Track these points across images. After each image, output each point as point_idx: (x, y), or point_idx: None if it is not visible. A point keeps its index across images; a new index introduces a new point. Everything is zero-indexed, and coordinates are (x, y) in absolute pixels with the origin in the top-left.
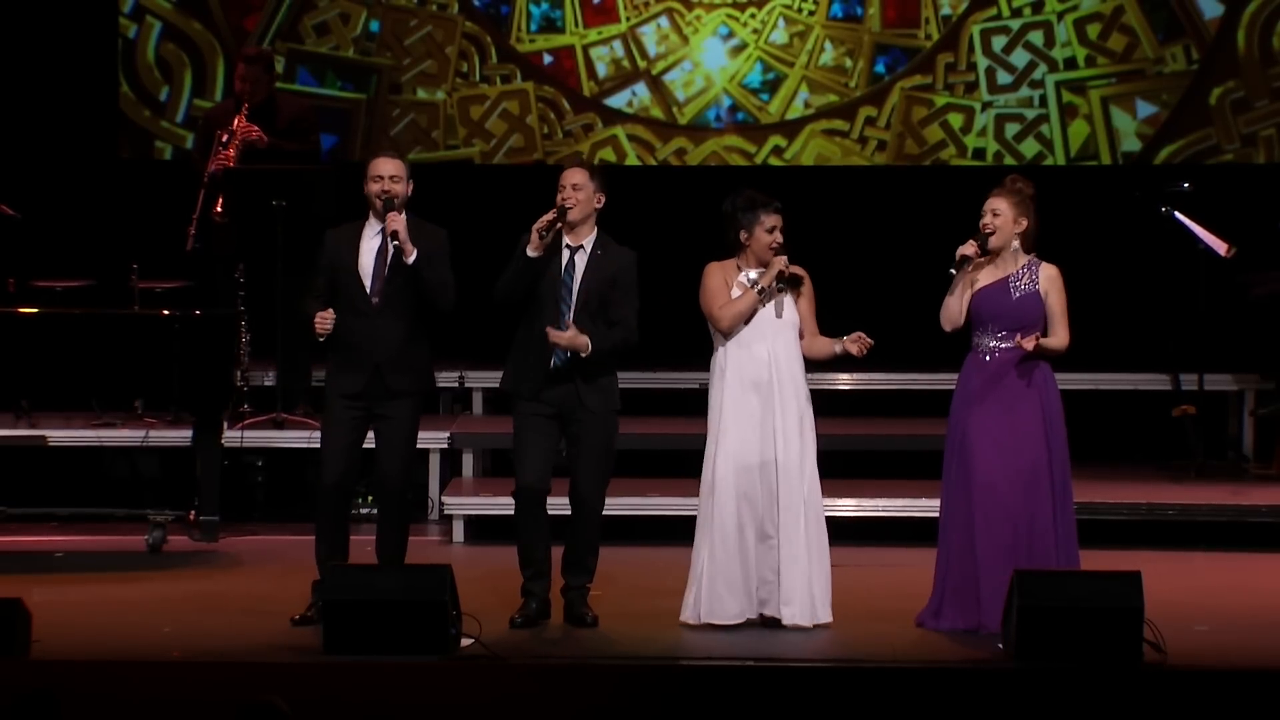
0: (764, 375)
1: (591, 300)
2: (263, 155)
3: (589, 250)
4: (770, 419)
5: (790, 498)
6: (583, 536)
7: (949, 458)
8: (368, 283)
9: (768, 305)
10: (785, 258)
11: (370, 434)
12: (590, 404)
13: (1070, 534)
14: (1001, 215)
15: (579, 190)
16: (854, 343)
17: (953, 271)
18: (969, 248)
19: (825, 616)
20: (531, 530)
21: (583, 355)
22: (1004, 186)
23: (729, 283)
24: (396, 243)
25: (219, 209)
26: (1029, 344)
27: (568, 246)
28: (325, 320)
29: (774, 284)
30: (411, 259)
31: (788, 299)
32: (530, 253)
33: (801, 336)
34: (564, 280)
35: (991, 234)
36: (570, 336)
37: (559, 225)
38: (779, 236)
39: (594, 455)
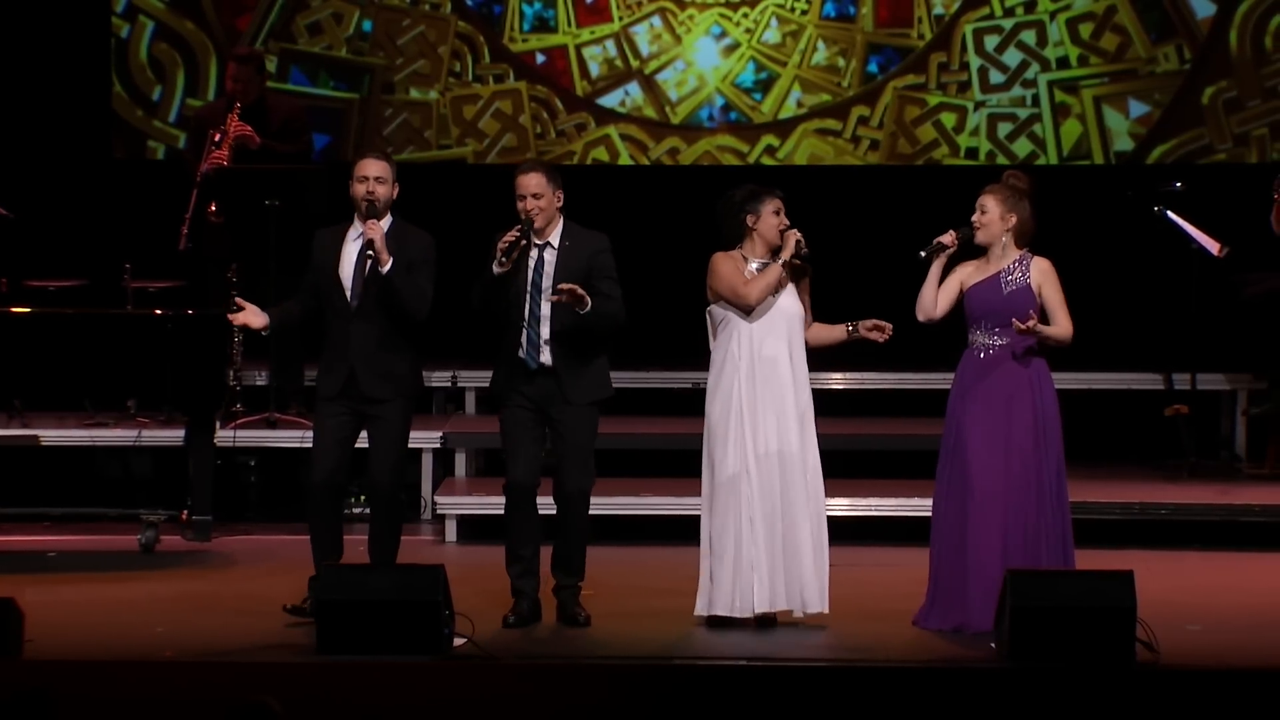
0: (779, 368)
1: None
2: (254, 156)
3: (557, 245)
4: (783, 410)
5: (795, 490)
6: (570, 534)
7: (943, 456)
8: (348, 285)
9: (783, 289)
10: (797, 230)
11: (363, 435)
12: (571, 396)
13: (1066, 534)
14: (989, 213)
15: (539, 199)
16: (873, 330)
17: (922, 254)
18: (947, 236)
19: (822, 607)
20: (521, 527)
21: (580, 312)
22: (998, 182)
23: (740, 269)
24: (371, 252)
25: (212, 209)
26: (1026, 325)
27: (535, 245)
28: (244, 315)
29: (796, 254)
30: (385, 269)
31: (791, 289)
32: (496, 270)
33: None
34: (534, 280)
35: (979, 229)
36: (571, 287)
37: (524, 242)
38: (785, 218)
39: (577, 451)
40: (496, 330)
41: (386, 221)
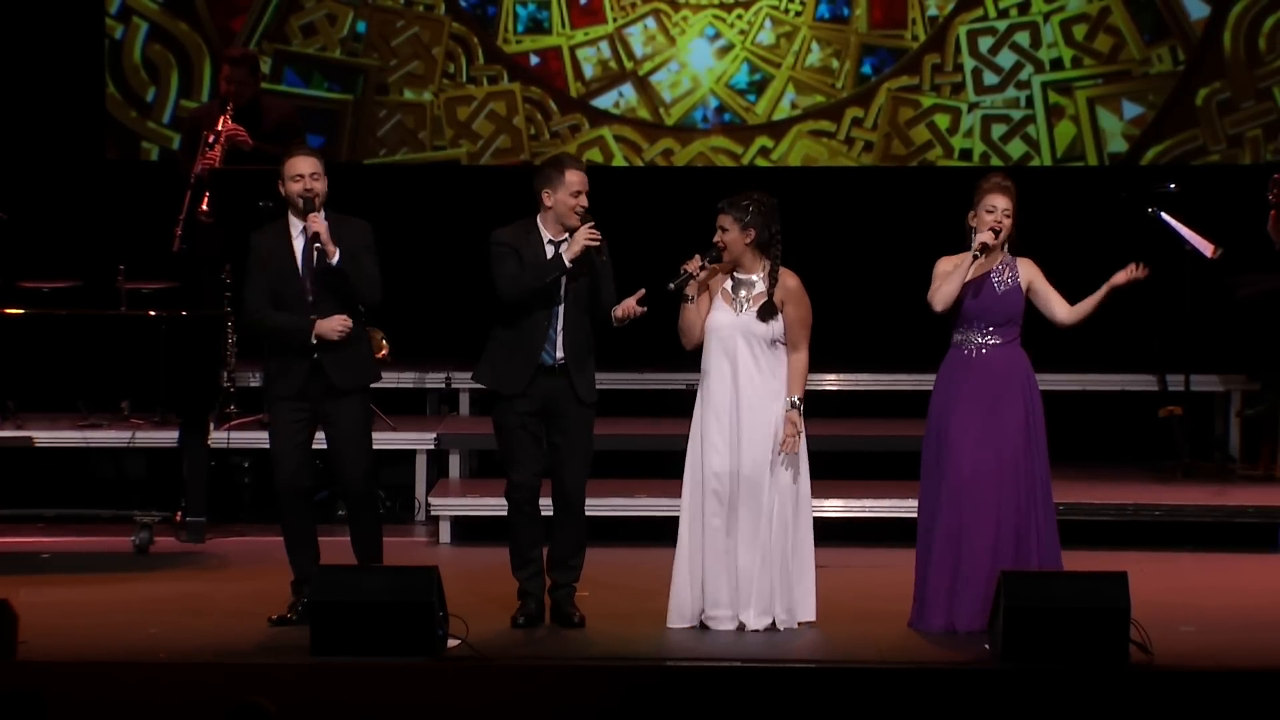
0: (729, 386)
1: (580, 290)
2: (247, 157)
3: (556, 239)
4: (737, 429)
5: (750, 508)
6: (569, 535)
7: (928, 456)
8: (305, 282)
9: (725, 306)
10: (696, 258)
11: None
12: (581, 394)
13: (1052, 534)
14: (1010, 215)
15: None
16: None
17: (977, 255)
18: (989, 236)
19: (804, 616)
20: (528, 529)
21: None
22: (1000, 184)
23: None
24: (318, 245)
25: (205, 209)
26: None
27: (550, 242)
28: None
29: (680, 280)
30: (334, 259)
31: (755, 312)
32: (569, 261)
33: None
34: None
35: (1000, 232)
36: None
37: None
38: (718, 235)
39: (579, 452)
40: (496, 324)
41: (323, 220)
